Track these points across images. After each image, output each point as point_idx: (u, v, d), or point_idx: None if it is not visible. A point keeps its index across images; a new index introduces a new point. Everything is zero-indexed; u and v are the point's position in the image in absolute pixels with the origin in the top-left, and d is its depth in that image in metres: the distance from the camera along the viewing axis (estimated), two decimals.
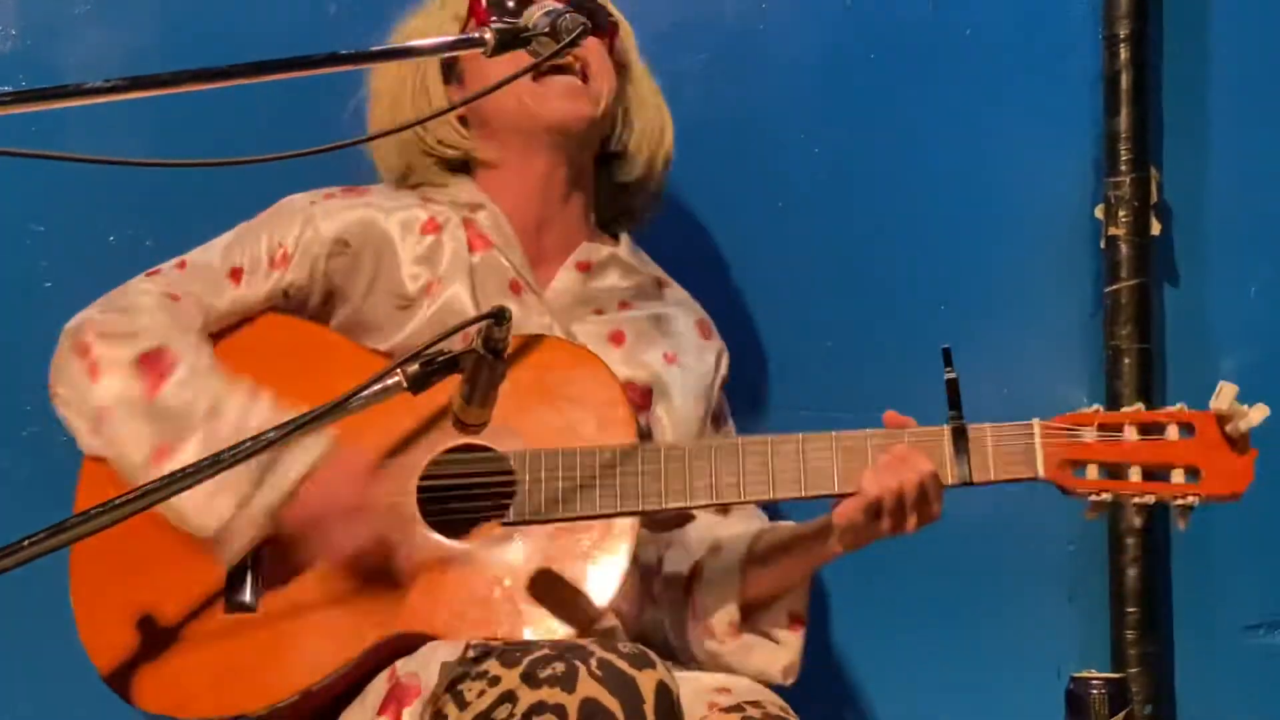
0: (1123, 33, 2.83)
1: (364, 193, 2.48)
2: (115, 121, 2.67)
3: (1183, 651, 2.85)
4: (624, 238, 2.55)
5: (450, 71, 2.50)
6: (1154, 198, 2.83)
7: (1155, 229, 2.83)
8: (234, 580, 2.23)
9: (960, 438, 2.21)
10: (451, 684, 1.99)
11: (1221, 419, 2.16)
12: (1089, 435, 2.19)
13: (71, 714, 2.66)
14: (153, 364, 2.26)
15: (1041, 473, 2.19)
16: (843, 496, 2.22)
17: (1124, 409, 2.25)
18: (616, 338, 2.45)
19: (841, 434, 2.24)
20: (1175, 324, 2.87)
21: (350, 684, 2.19)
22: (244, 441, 1.77)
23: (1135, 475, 2.17)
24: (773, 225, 2.86)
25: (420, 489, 2.23)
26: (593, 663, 1.94)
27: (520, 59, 1.97)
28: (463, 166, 2.50)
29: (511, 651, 1.99)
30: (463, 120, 2.49)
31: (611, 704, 1.91)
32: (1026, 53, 2.88)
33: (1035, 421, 2.21)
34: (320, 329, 2.41)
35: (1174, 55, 2.88)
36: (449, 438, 2.22)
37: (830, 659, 2.84)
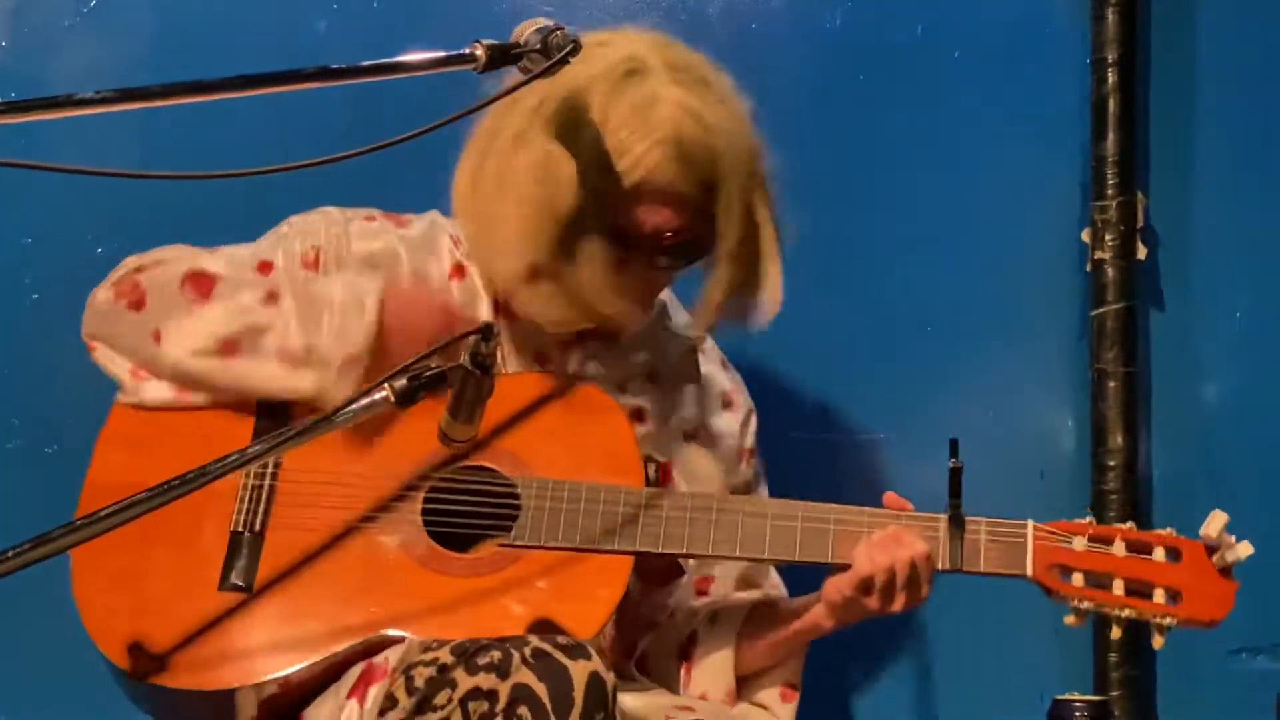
0: (1110, 58, 2.84)
1: (404, 223, 2.44)
2: (104, 135, 2.67)
3: (1165, 675, 2.86)
4: (669, 301, 2.51)
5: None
6: (1140, 222, 2.84)
7: (1141, 253, 2.84)
8: (231, 560, 2.24)
9: (957, 526, 2.24)
10: (406, 669, 2.03)
11: (1209, 548, 2.22)
12: (1079, 544, 2.24)
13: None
14: (198, 282, 2.29)
15: (1030, 573, 2.24)
16: (835, 567, 2.25)
17: (1115, 525, 2.28)
18: (637, 415, 2.44)
19: (840, 506, 2.27)
20: (1160, 348, 2.88)
21: (331, 677, 2.20)
22: (231, 454, 1.77)
23: (1119, 589, 2.23)
24: None
25: (425, 501, 2.26)
26: (527, 651, 1.98)
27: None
28: None
29: (462, 644, 2.03)
30: None
31: (540, 690, 1.95)
32: (1015, 77, 2.89)
33: (1029, 523, 2.26)
34: None
35: (1161, 81, 2.89)
36: (461, 455, 2.25)
37: (813, 681, 2.83)
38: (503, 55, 1.96)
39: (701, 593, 2.47)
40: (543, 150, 2.23)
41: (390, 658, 2.10)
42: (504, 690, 1.95)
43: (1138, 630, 2.76)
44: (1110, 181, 2.84)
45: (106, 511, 1.75)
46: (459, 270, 2.40)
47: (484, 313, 2.36)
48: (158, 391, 2.30)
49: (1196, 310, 2.88)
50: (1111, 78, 2.84)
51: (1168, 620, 2.22)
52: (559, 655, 1.98)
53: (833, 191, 2.88)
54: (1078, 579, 2.23)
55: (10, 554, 1.68)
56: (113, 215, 2.80)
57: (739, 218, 2.30)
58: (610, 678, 2.01)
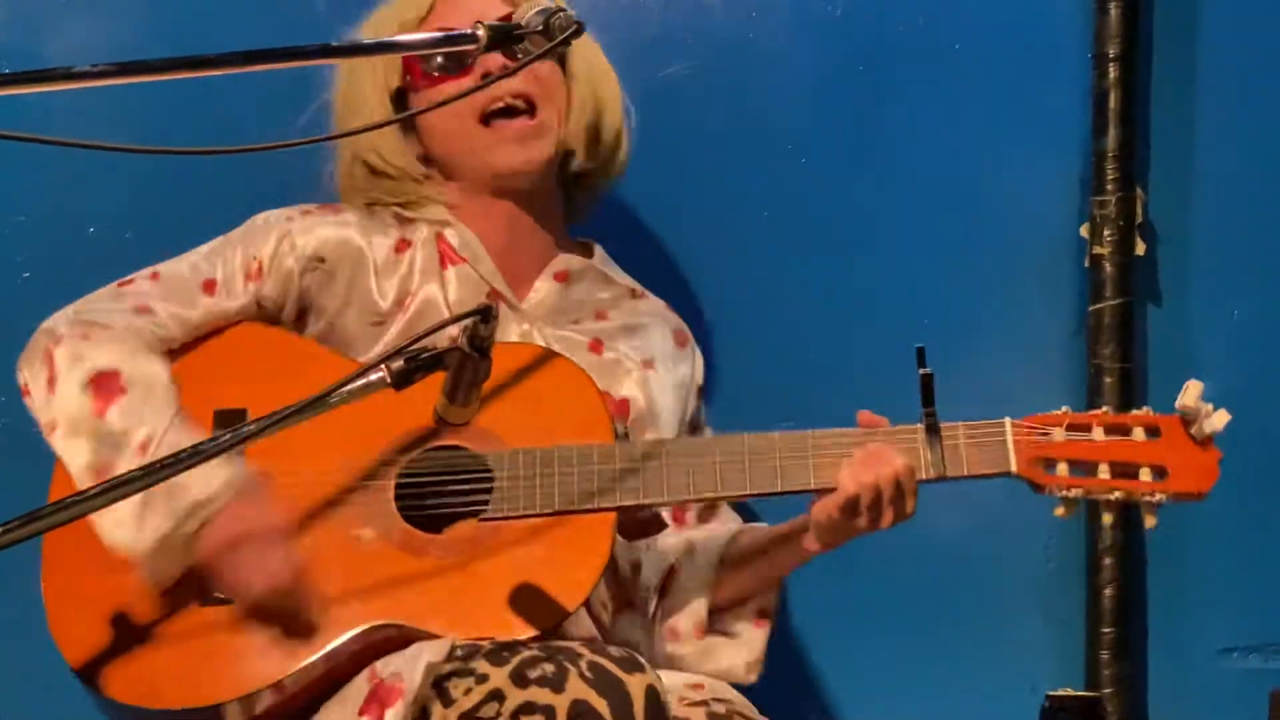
0: (1112, 52, 2.83)
1: (340, 210, 2.48)
2: (98, 113, 2.67)
3: (1157, 673, 2.85)
4: (598, 249, 2.56)
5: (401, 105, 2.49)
6: (1139, 218, 2.83)
7: (1140, 249, 2.83)
8: None
9: (934, 434, 2.23)
10: (437, 681, 2.00)
11: (1186, 420, 2.22)
12: (1058, 434, 2.23)
13: (41, 708, 2.63)
14: (104, 385, 2.25)
15: (1014, 468, 2.23)
16: (818, 492, 2.23)
17: (1092, 411, 2.28)
18: (594, 347, 2.45)
19: (817, 432, 2.25)
20: (1158, 344, 2.87)
21: (330, 683, 2.18)
22: (181, 453, 1.76)
23: (1104, 473, 2.22)
24: (758, 235, 2.86)
25: (397, 486, 2.23)
26: (583, 664, 1.97)
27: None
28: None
29: (499, 651, 2.01)
30: (424, 159, 2.49)
31: (600, 705, 1.94)
32: (1016, 69, 2.87)
33: (1006, 420, 2.25)
34: (298, 338, 2.42)
35: (1162, 76, 2.88)
36: (428, 438, 2.23)
37: (805, 675, 2.83)
38: (505, 36, 1.94)
39: (677, 521, 2.45)
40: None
41: (403, 672, 2.06)
42: (561, 706, 1.94)
43: (1129, 629, 2.78)
44: (1110, 176, 2.82)
45: (65, 501, 1.72)
46: (403, 244, 2.43)
47: (432, 287, 2.39)
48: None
49: (1195, 307, 2.87)
50: (1113, 72, 2.83)
51: (1157, 497, 2.21)
52: (615, 669, 1.98)
53: (831, 182, 2.87)
54: (1062, 469, 2.22)
55: None
56: (104, 194, 2.79)
57: None
58: (663, 688, 2.01)
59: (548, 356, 2.31)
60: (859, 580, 2.74)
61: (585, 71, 2.51)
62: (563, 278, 2.48)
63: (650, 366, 2.48)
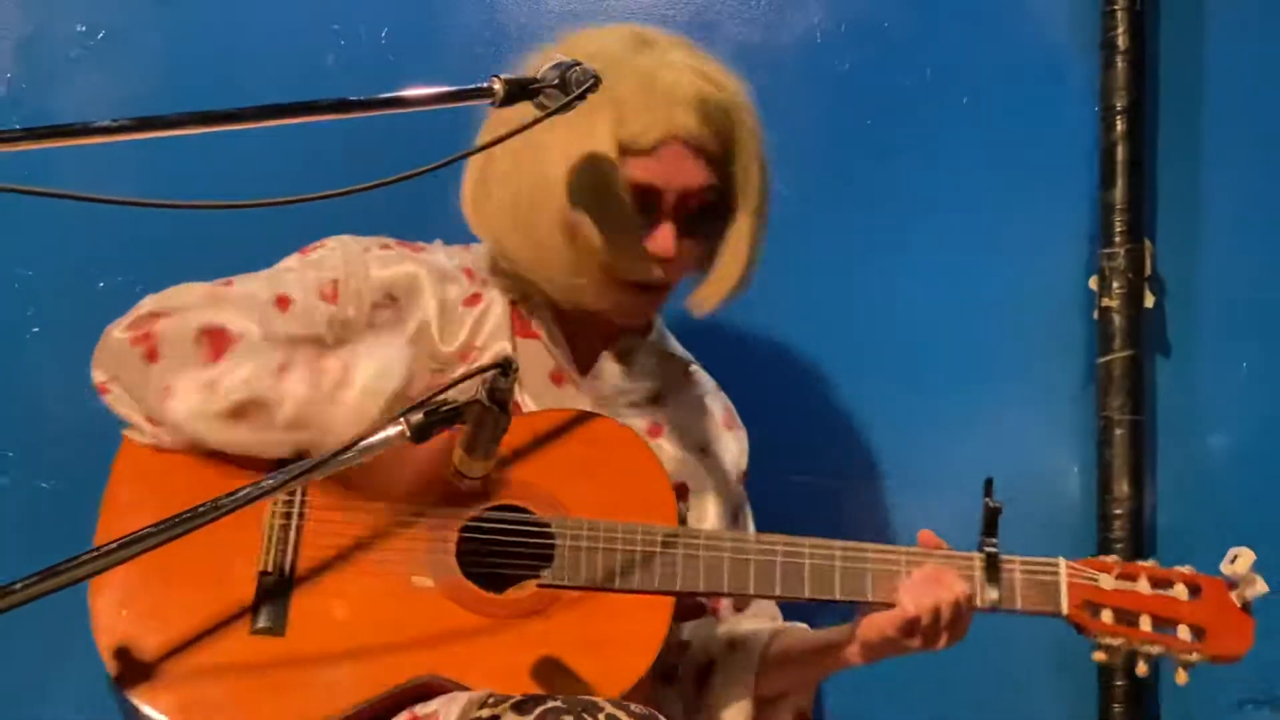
0: (1119, 105, 2.85)
1: (418, 249, 2.44)
2: (105, 169, 2.65)
3: None
4: (656, 323, 2.55)
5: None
6: (1148, 270, 2.84)
7: (1149, 301, 2.84)
8: (261, 602, 2.19)
9: (993, 565, 2.24)
10: None
11: (1229, 584, 2.25)
12: (1107, 581, 2.26)
13: None
14: (215, 339, 2.23)
15: (1065, 611, 2.25)
16: (873, 605, 2.23)
17: (1139, 562, 2.30)
18: (653, 431, 2.45)
19: (877, 545, 2.26)
20: (1167, 396, 2.87)
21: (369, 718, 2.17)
22: (242, 488, 1.75)
23: (1146, 625, 2.25)
24: (768, 291, 2.85)
25: (460, 540, 2.23)
26: (601, 717, 1.96)
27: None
28: None
29: (525, 702, 2.00)
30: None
31: None
32: (1023, 123, 2.89)
33: (1061, 560, 2.26)
34: None
35: (1170, 128, 2.89)
36: (493, 496, 2.23)
37: None
38: (520, 90, 1.96)
39: (713, 611, 2.45)
40: (563, 138, 2.24)
41: (440, 714, 2.06)
42: None
43: (1142, 681, 2.77)
44: (1118, 229, 2.83)
45: (116, 544, 1.72)
46: (474, 299, 2.41)
47: (502, 343, 2.37)
48: (169, 437, 2.24)
49: (1203, 359, 2.88)
50: (1120, 125, 2.85)
51: (1194, 656, 2.23)
52: None
53: (840, 235, 2.88)
54: (1107, 616, 2.24)
55: (19, 587, 1.65)
56: (114, 249, 2.78)
57: (756, 173, 2.35)
58: None
59: (619, 431, 2.31)
60: None
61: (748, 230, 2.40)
62: (624, 357, 2.48)
63: (705, 453, 2.48)
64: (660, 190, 2.29)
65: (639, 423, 2.43)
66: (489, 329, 2.40)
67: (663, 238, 2.30)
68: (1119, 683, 2.77)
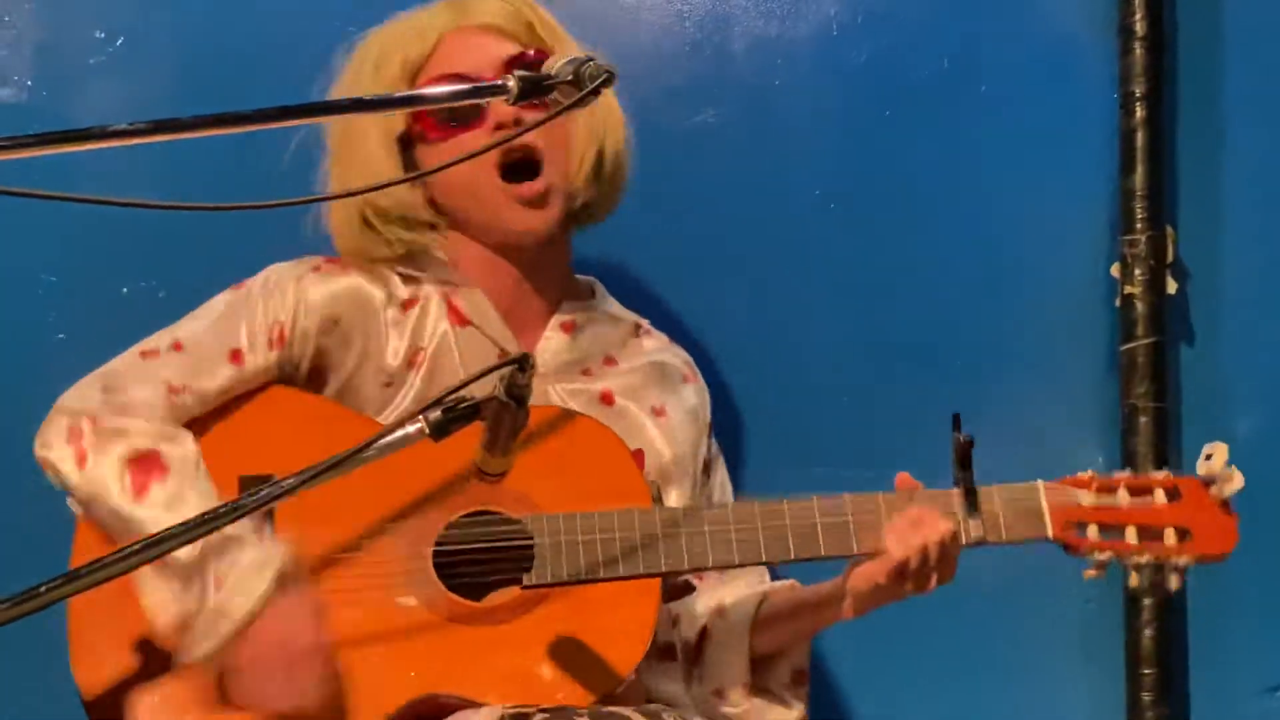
0: (1138, 91, 2.83)
1: (347, 266, 2.44)
2: (127, 174, 2.65)
3: (1199, 714, 2.83)
4: (598, 288, 2.55)
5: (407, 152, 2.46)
6: (1170, 256, 2.83)
7: (1171, 287, 2.82)
8: None
9: (971, 499, 2.23)
10: None
11: (1206, 481, 2.24)
12: (1087, 498, 2.25)
13: None
14: (143, 466, 2.24)
15: (1050, 533, 2.24)
16: (858, 557, 2.22)
17: (1115, 474, 2.29)
18: (606, 397, 2.44)
19: (855, 496, 2.25)
20: (1190, 383, 2.86)
21: None
22: (223, 505, 1.73)
23: (1131, 536, 2.23)
24: (787, 281, 2.86)
25: (435, 552, 2.22)
26: None
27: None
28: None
29: (553, 715, 2.01)
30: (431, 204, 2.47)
31: None
32: (1042, 110, 2.88)
33: (1039, 483, 2.26)
34: (321, 400, 2.39)
35: (1189, 113, 2.88)
36: (463, 503, 2.22)
37: (844, 718, 2.81)
38: (535, 86, 1.94)
39: (698, 579, 2.45)
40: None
41: None
42: None
43: (1170, 669, 2.76)
44: (1139, 216, 2.82)
45: (98, 564, 1.68)
46: (410, 303, 2.42)
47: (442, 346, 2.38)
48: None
49: (1227, 345, 2.87)
50: (1139, 111, 2.83)
51: (1183, 560, 2.22)
52: None
53: (859, 226, 2.87)
54: (1092, 532, 2.23)
55: (43, 590, 1.65)
56: (137, 255, 2.79)
57: (566, 33, 2.44)
58: None
59: (573, 418, 2.30)
60: (894, 623, 2.71)
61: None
62: (569, 328, 2.47)
63: (662, 414, 2.47)
64: (472, 77, 2.35)
65: (590, 389, 2.42)
66: (430, 330, 2.40)
67: (498, 109, 2.32)
68: (1147, 671, 2.76)
